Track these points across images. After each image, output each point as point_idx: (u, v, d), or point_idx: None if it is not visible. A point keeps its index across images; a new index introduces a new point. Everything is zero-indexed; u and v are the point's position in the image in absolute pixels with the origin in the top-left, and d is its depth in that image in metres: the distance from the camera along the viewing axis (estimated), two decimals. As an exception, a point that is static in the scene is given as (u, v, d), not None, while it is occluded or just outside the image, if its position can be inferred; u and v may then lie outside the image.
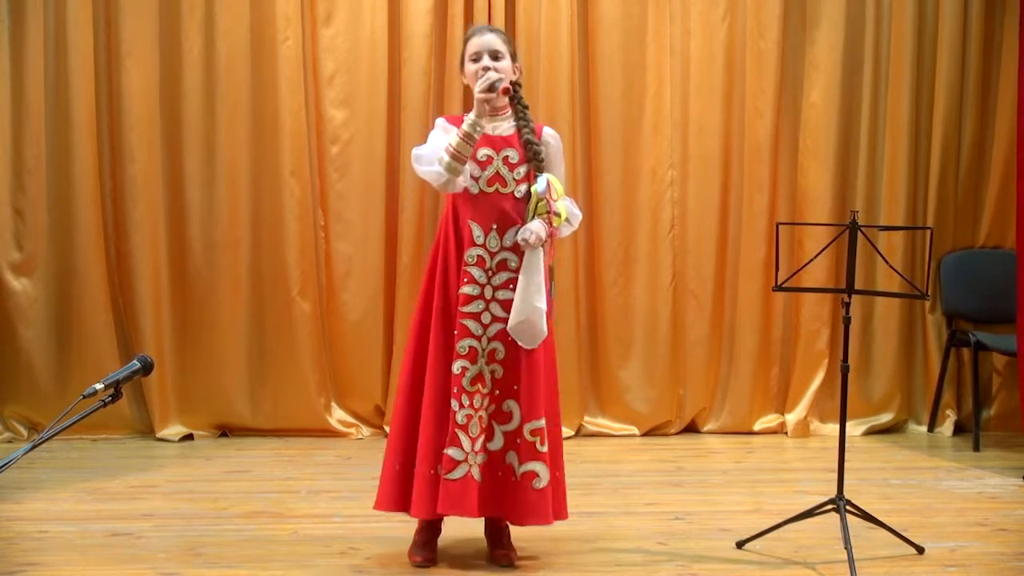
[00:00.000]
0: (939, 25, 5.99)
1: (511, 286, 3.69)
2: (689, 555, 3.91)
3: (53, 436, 2.48)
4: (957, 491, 4.90)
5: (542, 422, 3.67)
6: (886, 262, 4.32)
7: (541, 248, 3.65)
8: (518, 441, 3.67)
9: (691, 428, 6.11)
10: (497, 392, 3.70)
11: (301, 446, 5.63)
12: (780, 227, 4.16)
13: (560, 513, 3.80)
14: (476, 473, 3.65)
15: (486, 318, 3.70)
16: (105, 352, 5.65)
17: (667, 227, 5.95)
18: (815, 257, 4.33)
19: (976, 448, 5.68)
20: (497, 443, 3.70)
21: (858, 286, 3.93)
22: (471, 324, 3.69)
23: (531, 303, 3.62)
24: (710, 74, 5.95)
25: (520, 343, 3.67)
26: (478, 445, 3.66)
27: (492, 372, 3.70)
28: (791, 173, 6.06)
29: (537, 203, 3.67)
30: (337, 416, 5.90)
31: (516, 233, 3.68)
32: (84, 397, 2.44)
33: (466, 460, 3.64)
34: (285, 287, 5.76)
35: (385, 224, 5.84)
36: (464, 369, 3.67)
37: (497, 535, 3.86)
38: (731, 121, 5.99)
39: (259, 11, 5.66)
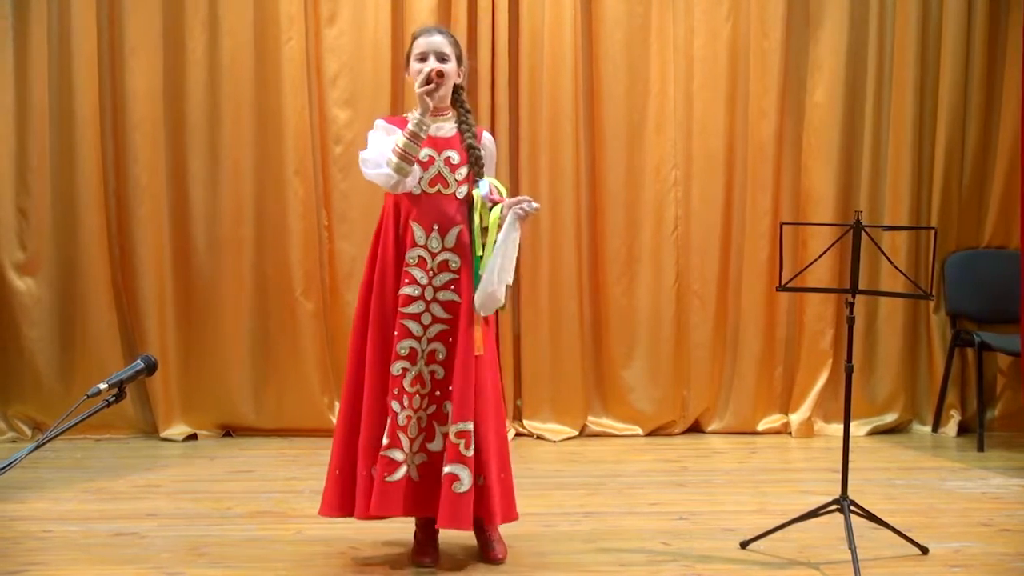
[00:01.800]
0: (943, 25, 5.98)
1: (452, 287, 3.70)
2: (693, 555, 3.90)
3: (57, 436, 2.47)
4: (961, 491, 4.89)
5: (469, 425, 3.65)
6: (890, 262, 4.31)
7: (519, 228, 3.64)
8: (445, 443, 3.67)
9: (695, 428, 6.11)
10: (437, 393, 3.70)
11: (304, 446, 5.64)
12: (784, 227, 4.17)
13: (504, 515, 3.76)
14: (414, 473, 3.67)
15: (426, 319, 3.70)
16: (109, 352, 5.66)
17: (670, 227, 5.95)
18: (819, 257, 4.32)
19: (980, 448, 5.67)
20: (437, 444, 3.70)
21: (862, 286, 3.92)
22: (411, 325, 3.68)
23: (507, 276, 3.64)
24: (713, 74, 5.94)
25: (481, 312, 3.68)
26: (416, 446, 3.67)
27: (432, 373, 3.70)
28: (795, 173, 6.05)
29: (481, 207, 3.69)
30: (340, 416, 5.89)
31: (456, 234, 3.69)
32: (88, 397, 2.44)
33: (405, 461, 3.65)
34: (288, 287, 5.76)
35: (388, 224, 5.83)
36: (404, 370, 3.67)
37: (486, 532, 3.86)
38: (735, 121, 5.98)
39: (263, 11, 5.67)
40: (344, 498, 3.75)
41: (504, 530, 3.89)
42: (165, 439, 5.71)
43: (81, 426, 2.57)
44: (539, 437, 5.84)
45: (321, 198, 5.83)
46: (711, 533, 4.18)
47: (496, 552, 3.82)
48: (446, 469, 3.62)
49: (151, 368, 2.62)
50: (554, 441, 5.85)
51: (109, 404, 2.52)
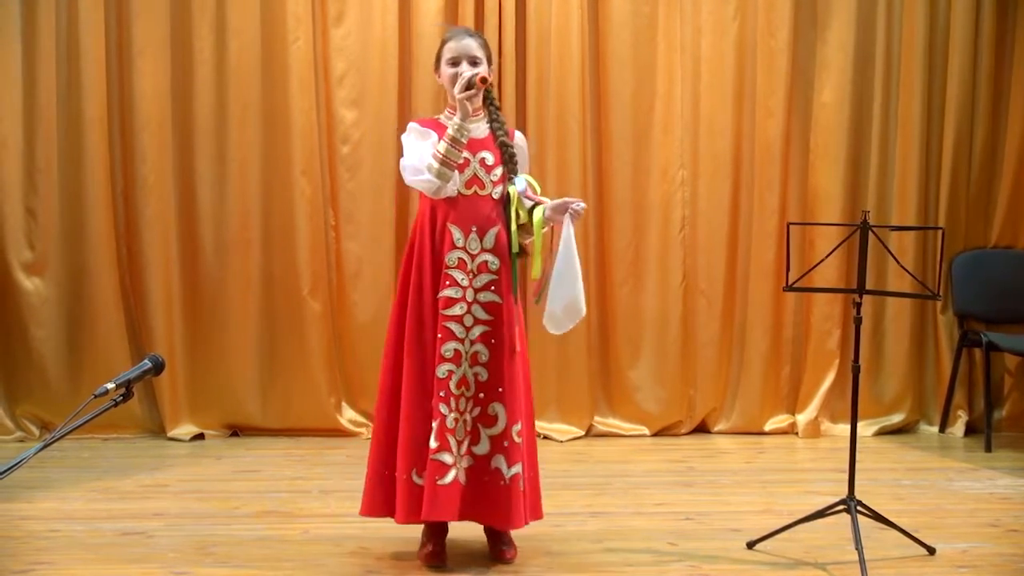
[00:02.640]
0: (951, 24, 5.97)
1: (492, 288, 3.70)
2: (699, 555, 3.90)
3: (64, 435, 2.48)
4: (969, 492, 4.88)
5: (520, 424, 3.69)
6: (897, 262, 4.31)
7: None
8: (505, 443, 3.66)
9: (701, 428, 6.10)
10: (481, 395, 3.69)
11: (311, 446, 5.64)
12: (791, 227, 4.16)
13: (536, 513, 3.81)
14: (462, 477, 3.66)
15: (468, 320, 3.69)
16: (116, 351, 5.66)
17: (677, 227, 5.94)
18: (826, 257, 4.32)
19: (988, 449, 5.66)
20: (483, 447, 3.69)
21: (869, 286, 3.92)
22: (454, 327, 3.68)
23: (573, 283, 3.65)
24: (721, 73, 5.94)
25: (558, 329, 3.71)
26: (463, 448, 3.67)
27: (476, 375, 3.70)
28: (802, 173, 6.05)
29: (518, 203, 3.68)
30: (347, 416, 5.90)
31: (495, 235, 3.70)
32: (95, 396, 2.45)
33: (454, 464, 3.64)
34: (296, 287, 5.77)
35: (395, 224, 5.84)
36: (450, 372, 3.66)
37: (497, 533, 3.86)
38: (742, 121, 5.98)
39: (270, 11, 5.67)
40: (387, 499, 3.75)
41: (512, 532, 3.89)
42: (172, 439, 5.71)
43: (88, 426, 2.58)
44: (545, 437, 5.83)
45: (328, 198, 5.83)
46: (718, 533, 4.18)
47: (507, 553, 3.82)
48: (512, 470, 3.64)
49: (158, 368, 2.63)
50: (560, 441, 5.85)
51: (116, 404, 2.52)
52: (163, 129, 5.66)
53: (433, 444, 3.62)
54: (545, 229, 3.71)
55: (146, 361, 2.62)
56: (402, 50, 5.79)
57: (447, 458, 3.62)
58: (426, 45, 5.70)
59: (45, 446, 2.44)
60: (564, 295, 3.67)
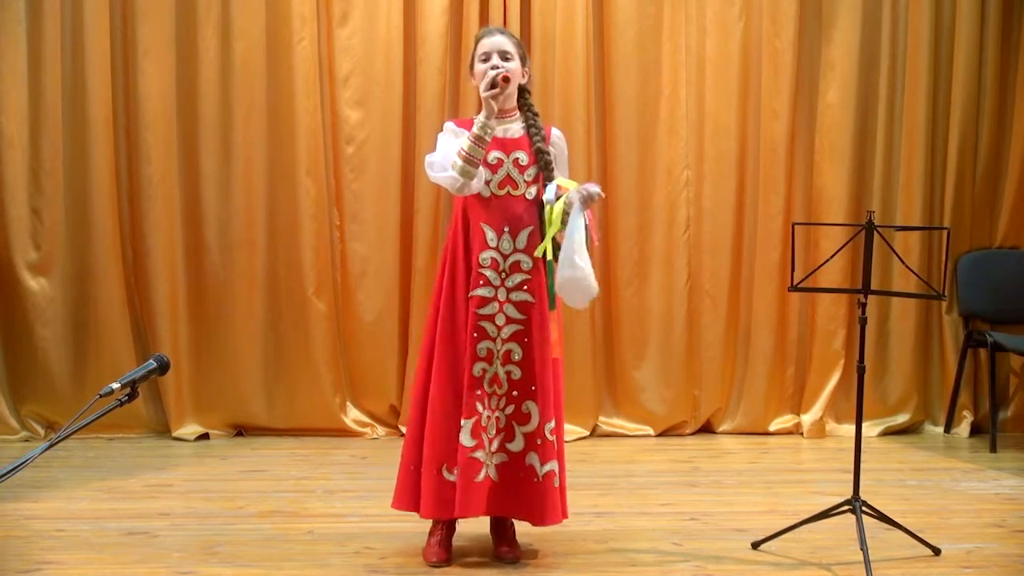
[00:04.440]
0: (956, 25, 5.97)
1: (525, 287, 3.71)
2: (704, 556, 3.90)
3: (70, 435, 2.48)
4: (974, 492, 4.88)
5: (554, 422, 3.71)
6: (902, 262, 4.30)
7: (583, 213, 3.61)
8: (539, 441, 3.68)
9: (706, 428, 6.10)
10: (515, 393, 3.71)
11: (316, 445, 5.65)
12: (796, 227, 4.17)
13: (565, 512, 3.82)
14: (493, 473, 3.69)
15: (500, 320, 3.71)
16: (121, 351, 5.67)
17: (682, 227, 5.94)
18: (831, 257, 4.32)
19: (993, 449, 5.66)
20: (518, 444, 3.71)
21: (874, 286, 3.92)
22: (487, 326, 3.70)
23: (571, 260, 3.61)
24: (726, 74, 5.94)
25: (571, 303, 3.68)
26: (495, 445, 3.69)
27: (508, 373, 3.71)
28: (807, 173, 6.04)
29: (551, 213, 3.67)
30: (352, 416, 5.91)
31: (527, 235, 3.70)
32: (100, 396, 2.45)
33: (486, 462, 3.67)
34: (301, 287, 5.77)
35: (400, 224, 5.85)
36: (484, 371, 3.70)
37: (502, 532, 3.88)
38: (747, 121, 5.97)
39: (275, 11, 5.68)
40: (417, 494, 3.77)
41: (517, 529, 3.90)
42: (177, 438, 5.72)
43: (94, 425, 2.58)
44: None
45: (333, 198, 5.84)
46: (722, 533, 4.18)
47: (511, 552, 3.83)
48: (545, 467, 3.67)
49: (164, 368, 2.63)
50: (566, 441, 5.83)
51: (122, 404, 2.52)
52: (168, 129, 5.67)
53: (470, 442, 3.65)
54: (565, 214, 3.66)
55: (151, 361, 2.62)
56: (407, 50, 5.80)
57: (480, 456, 3.66)
58: (431, 45, 5.71)
59: (51, 446, 2.45)
60: (562, 271, 3.64)
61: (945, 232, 4.58)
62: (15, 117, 5.56)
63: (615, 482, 5.00)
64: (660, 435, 5.99)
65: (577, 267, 3.60)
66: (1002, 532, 4.25)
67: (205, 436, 5.78)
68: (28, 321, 5.64)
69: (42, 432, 5.68)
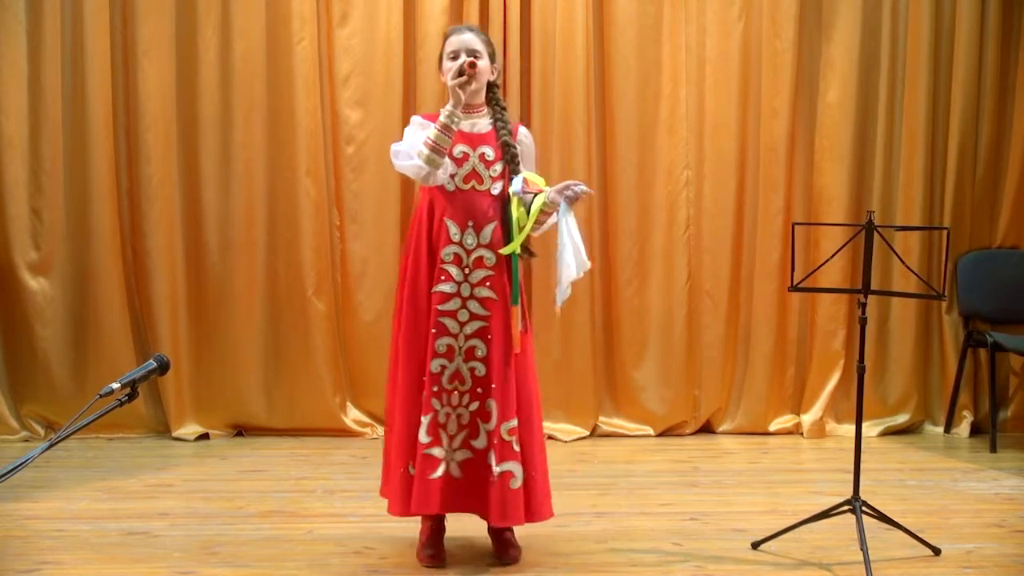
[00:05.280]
0: (956, 25, 5.96)
1: (488, 283, 3.71)
2: (704, 556, 3.90)
3: (70, 435, 2.48)
4: (974, 492, 4.88)
5: (515, 422, 3.69)
6: (902, 262, 4.30)
7: (571, 211, 3.63)
8: (495, 441, 3.67)
9: (706, 428, 6.10)
10: (479, 390, 3.70)
11: (316, 445, 5.65)
12: (796, 227, 4.17)
13: (543, 512, 3.78)
14: (455, 470, 3.68)
15: (463, 316, 3.70)
16: (121, 351, 5.67)
17: (682, 227, 5.94)
18: (831, 257, 4.32)
19: (993, 449, 5.66)
20: (481, 441, 3.70)
21: (874, 286, 3.92)
22: (448, 322, 3.69)
23: (582, 261, 3.65)
24: (726, 74, 5.93)
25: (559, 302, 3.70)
26: (457, 442, 3.69)
27: (472, 369, 3.70)
28: (807, 173, 6.04)
29: (520, 208, 3.68)
30: (352, 416, 5.91)
31: (492, 231, 3.70)
32: (100, 396, 2.45)
33: (444, 459, 3.66)
34: (300, 287, 5.77)
35: (400, 224, 5.84)
36: (443, 367, 3.69)
37: (500, 532, 3.87)
38: (747, 121, 5.97)
39: (275, 11, 5.68)
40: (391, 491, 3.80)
41: (516, 530, 3.89)
42: (177, 438, 5.72)
43: (93, 425, 2.58)
44: (550, 437, 5.82)
45: (333, 198, 5.84)
46: (722, 534, 4.18)
47: (511, 553, 3.83)
48: (500, 467, 3.64)
49: (163, 368, 2.63)
50: (565, 441, 5.85)
51: (121, 404, 2.52)
52: (168, 129, 5.66)
53: (425, 439, 3.65)
54: (542, 214, 3.68)
55: (151, 361, 2.63)
56: (407, 50, 5.80)
57: (437, 452, 3.65)
58: (431, 45, 5.71)
59: (50, 446, 2.45)
60: (566, 276, 3.65)
61: (945, 232, 4.58)
62: (15, 117, 5.56)
63: (615, 482, 5.00)
64: (660, 435, 5.99)
65: (584, 265, 3.66)
66: (1002, 532, 4.25)
67: (205, 436, 5.78)
68: (28, 321, 5.64)
69: (42, 432, 5.67)
